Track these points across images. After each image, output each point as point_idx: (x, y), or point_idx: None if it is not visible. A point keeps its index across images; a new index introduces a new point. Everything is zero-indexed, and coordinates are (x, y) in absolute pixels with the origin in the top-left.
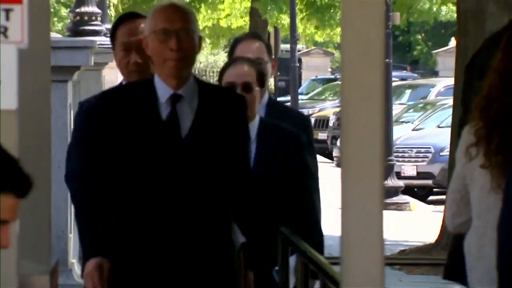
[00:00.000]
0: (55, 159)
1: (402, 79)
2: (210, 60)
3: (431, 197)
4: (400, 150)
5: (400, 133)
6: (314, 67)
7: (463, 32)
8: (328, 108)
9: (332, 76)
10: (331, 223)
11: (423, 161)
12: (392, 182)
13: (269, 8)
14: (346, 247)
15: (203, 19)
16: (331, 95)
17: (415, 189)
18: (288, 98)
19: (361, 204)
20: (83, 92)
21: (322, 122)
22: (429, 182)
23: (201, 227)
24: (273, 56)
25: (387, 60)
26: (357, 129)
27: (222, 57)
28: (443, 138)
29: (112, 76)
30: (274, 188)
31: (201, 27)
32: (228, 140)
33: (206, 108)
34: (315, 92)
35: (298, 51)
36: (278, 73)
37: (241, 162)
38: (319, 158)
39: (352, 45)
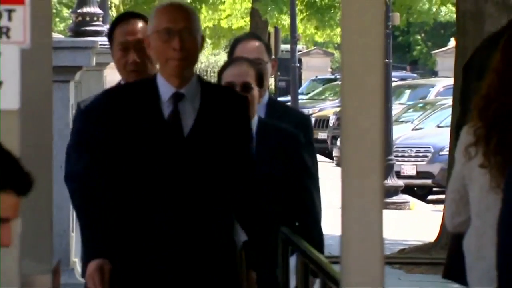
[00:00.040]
0: (57, 159)
1: (402, 79)
2: (211, 60)
3: (430, 197)
4: (400, 149)
5: (400, 133)
6: (314, 67)
7: (462, 33)
8: (328, 108)
9: (332, 76)
10: (331, 222)
11: (422, 160)
12: (392, 181)
13: (269, 8)
14: (346, 246)
15: (204, 20)
16: (331, 95)
17: (415, 189)
18: (289, 98)
19: (361, 203)
20: (84, 92)
21: (322, 122)
22: (429, 181)
23: (203, 226)
24: (273, 56)
25: (386, 60)
26: (357, 129)
27: (223, 58)
28: (443, 138)
29: (114, 76)
30: (274, 188)
31: (202, 28)
32: (230, 139)
33: (209, 107)
34: (315, 92)
35: (298, 51)
36: (279, 73)
37: (243, 161)
38: (319, 157)
39: (352, 45)
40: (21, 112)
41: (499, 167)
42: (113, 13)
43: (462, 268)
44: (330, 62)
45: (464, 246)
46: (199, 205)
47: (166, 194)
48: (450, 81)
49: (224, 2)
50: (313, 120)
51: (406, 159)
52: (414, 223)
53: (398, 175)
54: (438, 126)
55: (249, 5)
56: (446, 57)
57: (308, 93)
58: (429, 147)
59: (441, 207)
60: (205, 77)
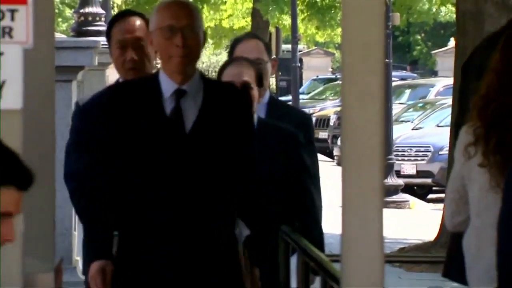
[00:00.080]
0: (59, 159)
1: (402, 79)
2: (212, 60)
3: (430, 196)
4: (400, 149)
5: (400, 132)
6: (315, 67)
7: (462, 33)
8: (329, 108)
9: (333, 76)
10: (331, 221)
11: (422, 160)
12: (392, 180)
13: (270, 9)
14: (347, 244)
15: (206, 20)
16: (332, 94)
17: (415, 188)
18: (290, 97)
19: (361, 202)
20: (87, 92)
21: (323, 121)
22: (429, 180)
23: (204, 224)
24: (273, 56)
25: (387, 60)
26: (357, 128)
27: (224, 57)
28: (442, 137)
29: (116, 75)
30: (273, 188)
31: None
32: (232, 136)
33: (211, 104)
34: (316, 91)
35: (299, 51)
36: (280, 73)
37: (245, 158)
38: (320, 157)
39: (353, 45)
40: (23, 111)
41: (499, 166)
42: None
43: (462, 267)
44: (331, 62)
45: (464, 245)
46: (201, 202)
47: (167, 191)
48: (450, 81)
49: (226, 2)
50: (314, 119)
51: (406, 158)
52: (414, 222)
53: (398, 174)
54: (438, 126)
55: (250, 5)
56: (446, 57)
57: (309, 93)
58: (429, 147)
59: (440, 206)
60: None
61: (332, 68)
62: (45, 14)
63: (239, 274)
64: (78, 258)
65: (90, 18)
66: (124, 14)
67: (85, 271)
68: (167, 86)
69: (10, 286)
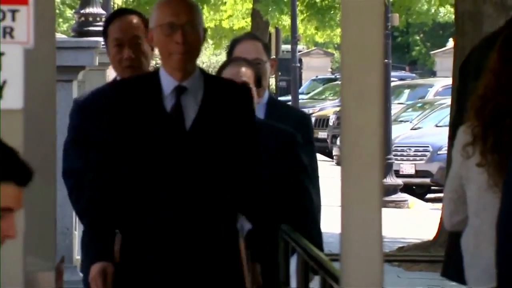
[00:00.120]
0: (60, 158)
1: (401, 79)
2: (212, 60)
3: (429, 195)
4: (399, 149)
5: (399, 132)
6: (314, 67)
7: (461, 33)
8: (328, 108)
9: (332, 76)
10: (331, 220)
11: (421, 159)
12: (391, 180)
13: (270, 9)
14: (346, 244)
15: (206, 20)
16: (331, 94)
17: (414, 187)
18: (289, 97)
19: (361, 202)
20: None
21: (322, 121)
22: (427, 180)
23: (205, 222)
24: (273, 56)
25: (386, 60)
26: (356, 128)
27: (224, 58)
28: (441, 137)
29: None
30: (273, 188)
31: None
32: (234, 132)
33: (211, 100)
34: (315, 92)
35: (299, 51)
36: (279, 73)
37: (248, 154)
38: (319, 156)
39: (352, 45)
40: (24, 111)
41: (496, 165)
42: None
43: (460, 267)
44: (330, 62)
45: (462, 244)
46: (201, 201)
47: (168, 189)
48: (449, 81)
49: (226, 2)
50: (313, 119)
51: (405, 158)
52: (413, 221)
53: (397, 174)
54: (437, 126)
55: (250, 5)
56: (444, 57)
57: (309, 93)
58: (428, 146)
59: (439, 205)
60: None
61: (331, 68)
62: (46, 14)
63: (240, 274)
64: (78, 257)
65: (90, 19)
66: (121, 12)
67: (84, 270)
68: (168, 83)
69: (11, 284)
